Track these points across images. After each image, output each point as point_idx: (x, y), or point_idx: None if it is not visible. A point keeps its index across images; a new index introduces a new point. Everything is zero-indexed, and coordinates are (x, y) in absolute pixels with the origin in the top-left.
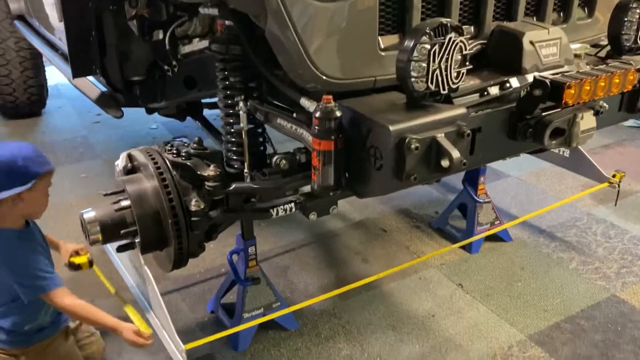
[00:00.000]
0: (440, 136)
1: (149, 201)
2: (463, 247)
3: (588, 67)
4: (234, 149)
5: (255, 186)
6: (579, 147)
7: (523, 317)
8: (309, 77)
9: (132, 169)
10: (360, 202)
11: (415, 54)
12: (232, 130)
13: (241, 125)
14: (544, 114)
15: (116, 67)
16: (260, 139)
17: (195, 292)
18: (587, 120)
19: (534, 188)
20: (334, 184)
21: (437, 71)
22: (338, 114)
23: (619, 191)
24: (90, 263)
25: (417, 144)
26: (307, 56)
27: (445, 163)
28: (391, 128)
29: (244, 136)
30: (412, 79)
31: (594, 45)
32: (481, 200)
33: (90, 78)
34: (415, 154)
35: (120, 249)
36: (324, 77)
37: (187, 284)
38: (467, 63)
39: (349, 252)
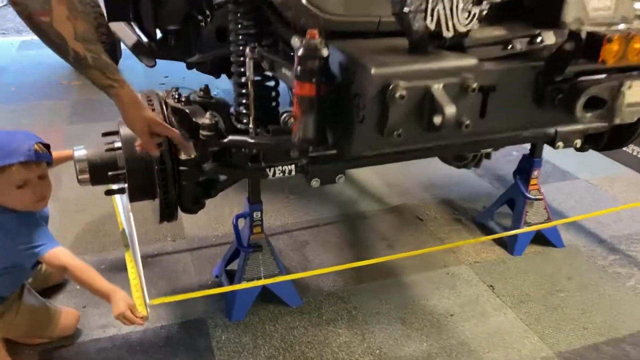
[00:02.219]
0: (437, 87)
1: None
2: (504, 247)
3: None
4: (242, 101)
5: (251, 141)
6: None
7: (556, 332)
8: (300, 12)
9: None
10: (401, 186)
11: None
12: (241, 81)
13: (247, 74)
14: (580, 78)
15: (150, 13)
16: (272, 95)
17: (207, 254)
18: (637, 91)
19: (605, 194)
20: (314, 137)
21: (439, 6)
22: (324, 52)
23: None
24: None
25: (403, 92)
26: None
27: (437, 120)
28: (373, 71)
29: (249, 87)
30: (409, 13)
31: None
32: (532, 197)
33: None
34: (401, 105)
35: (108, 193)
36: (316, 11)
37: (201, 246)
38: (485, 4)
39: (375, 236)
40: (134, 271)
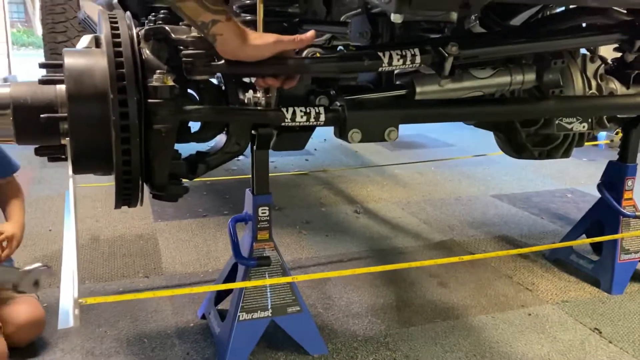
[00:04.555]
0: None
1: (93, 78)
2: (595, 284)
3: None
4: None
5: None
6: None
7: None
8: None
9: None
10: (444, 222)
11: None
12: None
13: None
14: None
15: None
16: None
17: (190, 294)
18: None
19: None
20: None
21: None
22: None
23: None
24: None
25: None
26: None
27: None
28: None
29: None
30: None
31: None
32: (630, 214)
33: None
34: None
35: (40, 152)
36: None
37: (184, 283)
38: None
39: (419, 273)
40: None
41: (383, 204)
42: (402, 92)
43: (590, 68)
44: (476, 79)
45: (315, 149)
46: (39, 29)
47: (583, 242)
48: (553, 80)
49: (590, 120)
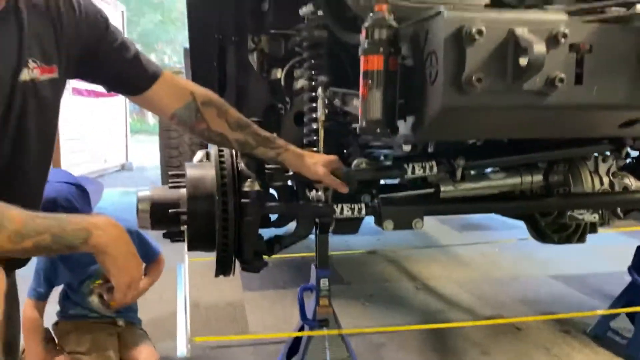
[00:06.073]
0: (521, 30)
1: (204, 183)
2: None
3: None
4: (314, 137)
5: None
6: None
7: None
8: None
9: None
10: (497, 299)
11: None
12: (312, 116)
13: (318, 112)
14: None
15: (233, 102)
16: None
17: (271, 350)
18: None
19: None
20: (382, 117)
21: None
22: (393, 23)
23: None
24: None
25: (481, 28)
26: None
27: (523, 60)
28: (446, 14)
29: (320, 127)
30: None
31: None
32: None
33: None
34: (479, 45)
35: (166, 235)
36: None
37: (266, 342)
38: None
39: (465, 342)
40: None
41: (442, 281)
42: (430, 190)
43: (602, 167)
44: (490, 180)
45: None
46: (150, 117)
47: (613, 311)
48: (558, 181)
49: (600, 212)
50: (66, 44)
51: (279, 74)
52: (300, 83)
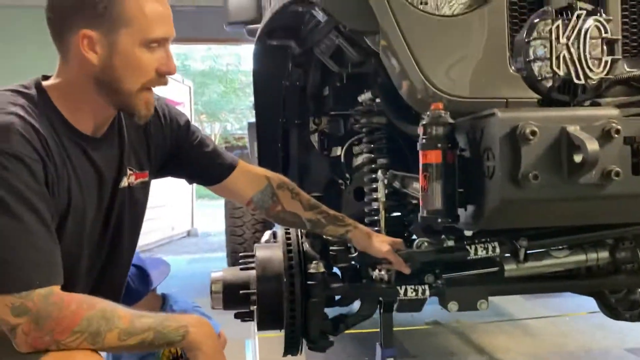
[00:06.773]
0: (573, 128)
1: (272, 265)
2: None
3: None
4: (374, 217)
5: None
6: None
7: None
8: (426, 95)
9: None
10: None
11: (534, 34)
12: (372, 196)
13: (379, 194)
14: None
15: (296, 179)
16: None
17: None
18: None
19: None
20: (442, 207)
21: (565, 53)
22: (449, 120)
23: None
24: None
25: (534, 129)
26: (422, 74)
27: (578, 158)
28: (499, 114)
29: (381, 207)
30: (533, 62)
31: None
32: None
33: None
34: (534, 144)
35: (237, 316)
36: (443, 94)
37: None
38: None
39: None
40: None
41: (512, 355)
42: (494, 269)
43: None
44: (554, 258)
45: None
46: None
47: None
48: (625, 258)
49: None
50: (154, 149)
51: (338, 151)
52: (359, 160)
